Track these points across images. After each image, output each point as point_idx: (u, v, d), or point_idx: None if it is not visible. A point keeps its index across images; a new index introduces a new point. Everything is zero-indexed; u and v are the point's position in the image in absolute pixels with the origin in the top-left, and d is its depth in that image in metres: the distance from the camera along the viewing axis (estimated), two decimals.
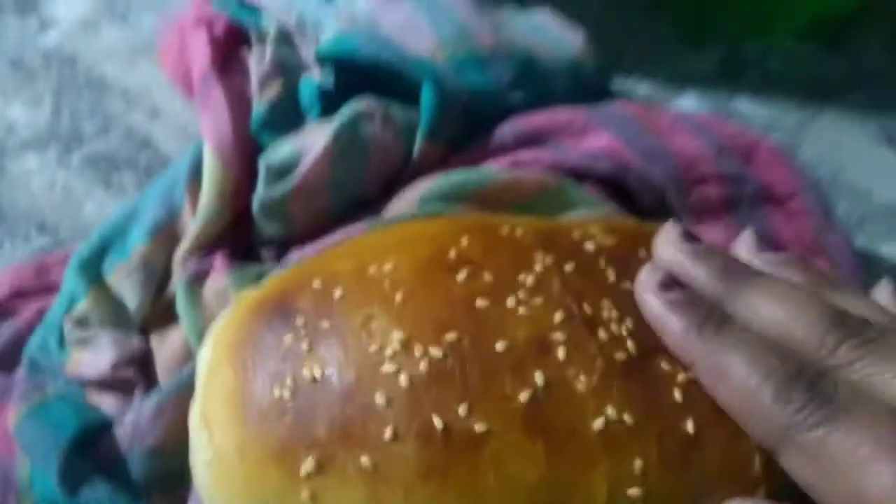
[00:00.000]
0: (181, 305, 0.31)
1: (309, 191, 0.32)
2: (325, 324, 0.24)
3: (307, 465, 0.22)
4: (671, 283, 0.24)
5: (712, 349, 0.22)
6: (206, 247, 0.32)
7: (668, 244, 0.25)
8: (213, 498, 0.24)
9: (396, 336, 0.23)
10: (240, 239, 0.34)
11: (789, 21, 0.48)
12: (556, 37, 0.40)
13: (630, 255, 0.25)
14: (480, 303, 0.23)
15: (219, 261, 0.31)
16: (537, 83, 0.37)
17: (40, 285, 0.34)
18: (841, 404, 0.20)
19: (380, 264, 0.25)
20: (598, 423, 0.22)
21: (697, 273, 0.24)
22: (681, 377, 0.23)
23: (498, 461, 0.22)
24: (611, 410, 0.22)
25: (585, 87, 0.39)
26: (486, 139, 0.34)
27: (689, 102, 0.45)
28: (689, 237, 0.25)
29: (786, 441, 0.21)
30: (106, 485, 0.25)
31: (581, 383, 0.23)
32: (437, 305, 0.23)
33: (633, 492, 0.22)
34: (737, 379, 0.21)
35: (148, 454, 0.26)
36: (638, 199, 0.34)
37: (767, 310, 0.22)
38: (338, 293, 0.25)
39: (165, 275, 0.33)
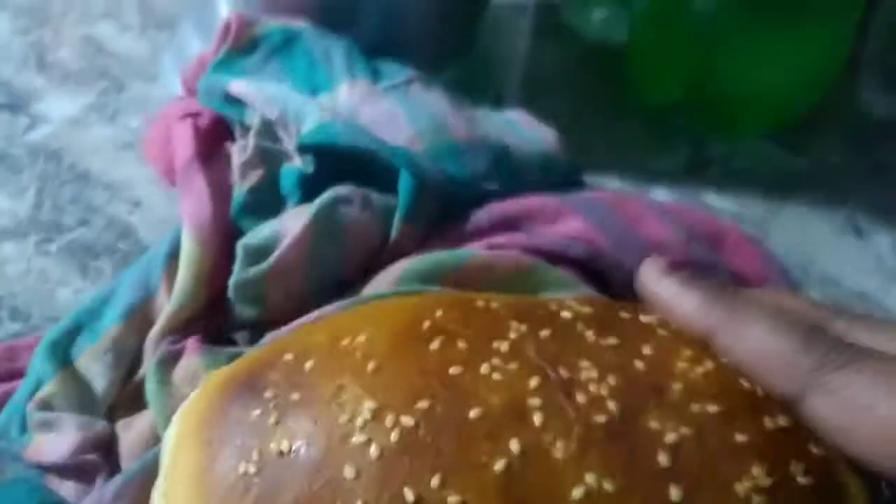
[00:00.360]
0: (150, 387, 0.30)
1: (286, 272, 0.32)
2: (295, 395, 0.23)
3: None
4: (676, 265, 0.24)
5: (732, 310, 0.23)
6: (180, 330, 0.32)
7: (654, 275, 0.25)
8: None
9: (367, 406, 0.23)
10: (215, 323, 0.33)
11: (751, 123, 0.51)
12: (528, 132, 0.41)
13: (610, 317, 0.25)
14: (454, 370, 0.23)
15: (191, 343, 0.31)
16: (511, 174, 0.38)
17: (8, 370, 0.33)
18: (863, 349, 0.21)
19: (353, 336, 0.25)
20: (577, 493, 0.21)
21: (692, 296, 0.24)
22: (669, 437, 0.22)
23: None
24: (590, 478, 0.22)
25: (557, 178, 0.40)
26: (462, 223, 0.35)
27: (658, 197, 0.46)
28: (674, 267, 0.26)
29: (812, 385, 0.21)
30: None
31: (559, 450, 0.22)
32: (409, 374, 0.23)
33: None
34: (760, 334, 0.22)
35: None
36: (611, 282, 0.34)
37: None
38: (309, 365, 0.24)
39: (136, 359, 0.32)
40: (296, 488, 0.22)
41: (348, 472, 0.22)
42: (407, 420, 0.22)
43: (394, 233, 0.34)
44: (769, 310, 0.23)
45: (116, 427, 0.31)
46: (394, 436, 0.22)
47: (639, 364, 0.24)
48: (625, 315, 0.26)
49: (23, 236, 0.42)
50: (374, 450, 0.22)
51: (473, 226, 0.35)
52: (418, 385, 0.23)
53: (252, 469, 0.22)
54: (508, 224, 0.35)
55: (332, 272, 0.33)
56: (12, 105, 0.50)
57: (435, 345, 0.24)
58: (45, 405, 0.30)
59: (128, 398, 0.31)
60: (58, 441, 0.29)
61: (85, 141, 0.48)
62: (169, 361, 0.31)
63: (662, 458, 0.22)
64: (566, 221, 0.35)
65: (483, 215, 0.35)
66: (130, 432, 0.30)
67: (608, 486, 0.22)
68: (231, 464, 0.22)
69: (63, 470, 0.28)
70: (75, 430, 0.29)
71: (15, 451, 0.29)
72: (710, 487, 0.22)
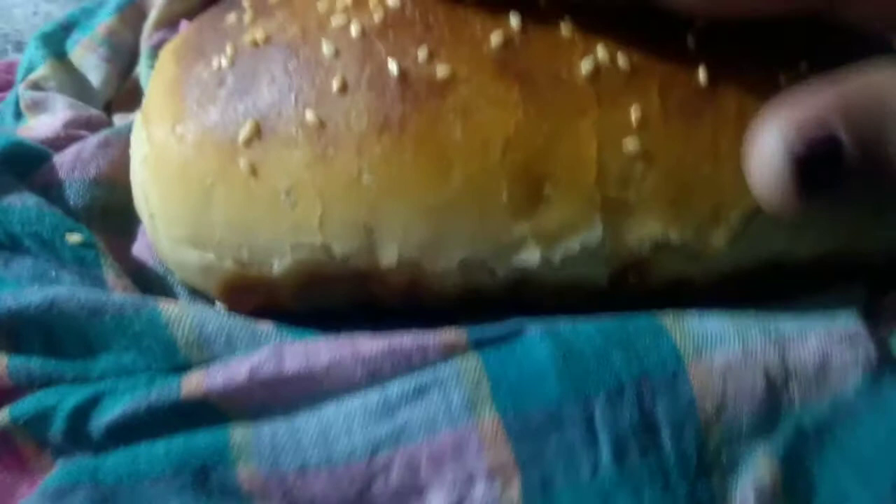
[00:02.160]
0: (144, 72, 0.28)
1: None
2: None
3: (245, 130, 0.19)
4: None
5: None
6: (175, 23, 0.30)
7: None
8: (150, 194, 0.21)
9: None
10: None
11: None
12: None
13: None
14: None
15: (184, 25, 0.29)
16: None
17: (7, 79, 0.32)
18: None
19: None
20: (586, 67, 0.19)
21: None
22: (699, 23, 0.19)
23: (465, 110, 0.19)
24: (602, 53, 0.19)
25: None
26: None
27: None
28: None
29: None
30: (37, 198, 0.22)
31: (566, 26, 0.19)
32: None
33: (630, 143, 0.19)
34: None
35: (90, 183, 0.24)
36: None
37: None
38: None
39: (133, 56, 0.31)
40: (270, 71, 0.20)
41: (326, 49, 0.19)
42: (392, 1, 0.20)
43: None
44: None
45: (114, 119, 0.29)
46: (377, 15, 0.20)
47: None
48: None
49: None
50: (354, 28, 0.19)
51: None
52: None
53: (225, 63, 0.20)
54: None
55: None
56: None
57: None
58: (37, 86, 0.29)
59: (127, 95, 0.30)
60: (50, 119, 0.27)
61: None
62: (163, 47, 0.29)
63: (690, 40, 0.19)
64: None
65: None
66: (128, 122, 0.29)
67: (623, 62, 0.19)
68: (203, 63, 0.20)
69: (55, 145, 0.27)
70: (67, 108, 0.28)
71: (7, 132, 0.28)
72: (746, 74, 0.19)
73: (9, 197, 0.22)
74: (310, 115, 0.19)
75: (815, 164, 0.17)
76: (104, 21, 0.30)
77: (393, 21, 0.19)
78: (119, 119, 0.29)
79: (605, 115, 0.19)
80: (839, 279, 0.22)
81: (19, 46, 0.37)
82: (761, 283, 0.21)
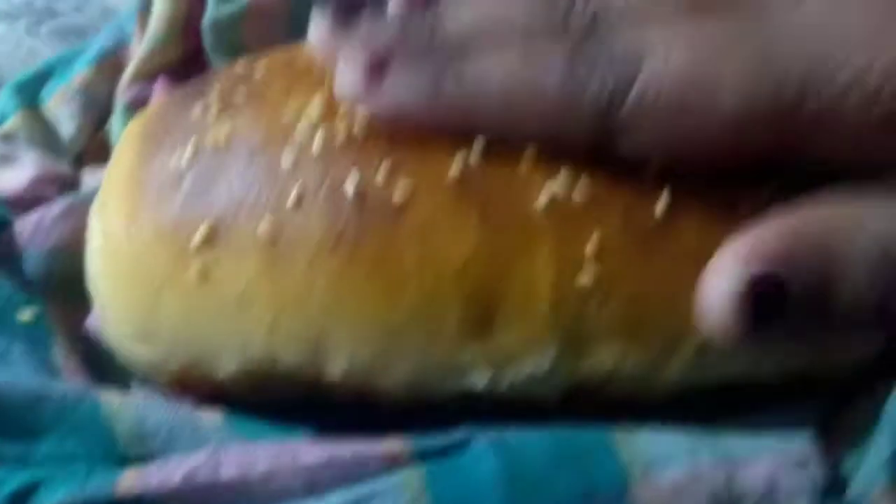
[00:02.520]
0: (116, 129, 0.28)
1: (265, 16, 0.29)
2: (241, 96, 0.21)
3: (198, 236, 0.19)
4: None
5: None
6: (152, 77, 0.30)
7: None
8: (100, 287, 0.21)
9: (317, 102, 0.20)
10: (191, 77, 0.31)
11: None
12: None
13: None
14: None
15: (160, 83, 0.29)
16: None
17: None
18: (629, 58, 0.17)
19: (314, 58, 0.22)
20: (545, 195, 0.19)
21: None
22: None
23: (421, 232, 0.18)
24: (561, 183, 0.19)
25: None
26: None
27: None
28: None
29: (609, 121, 0.18)
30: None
31: (527, 154, 0.19)
32: None
33: (587, 273, 0.18)
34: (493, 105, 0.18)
35: (48, 254, 0.24)
36: None
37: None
38: (260, 73, 0.22)
39: (107, 108, 0.30)
40: (228, 178, 0.19)
41: (286, 160, 0.19)
42: (360, 117, 0.19)
43: None
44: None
45: (83, 173, 0.29)
46: (342, 126, 0.19)
47: None
48: None
49: (14, 19, 0.41)
50: (318, 139, 0.19)
51: None
52: None
53: (184, 163, 0.20)
54: None
55: None
56: None
57: None
58: (7, 138, 0.28)
59: (97, 148, 0.30)
60: (16, 174, 0.27)
61: None
62: (136, 106, 0.29)
63: (651, 170, 0.19)
64: None
65: None
66: (95, 179, 0.28)
67: (582, 192, 0.19)
68: (163, 159, 0.20)
69: (19, 203, 0.27)
70: (35, 164, 0.28)
71: None
72: (707, 204, 0.19)
73: None
74: (264, 226, 0.19)
75: (758, 303, 0.17)
76: (81, 71, 0.30)
77: (359, 133, 0.19)
78: (88, 173, 0.29)
79: (562, 245, 0.18)
80: (800, 392, 0.21)
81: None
82: (717, 398, 0.21)
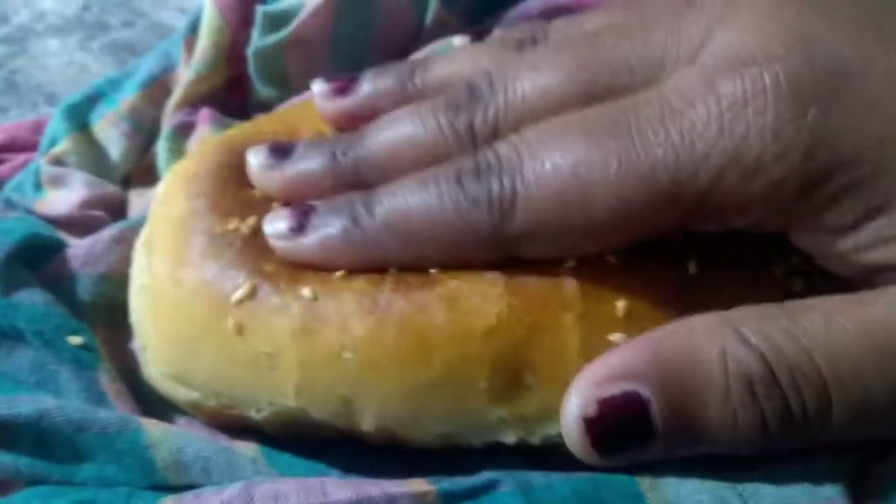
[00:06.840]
0: (162, 154, 0.29)
1: (306, 44, 0.30)
2: None
3: (240, 292, 0.20)
4: None
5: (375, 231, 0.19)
6: (197, 102, 0.31)
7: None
8: (142, 325, 0.22)
9: None
10: (236, 102, 0.32)
11: None
12: None
13: None
14: None
15: (205, 112, 0.29)
16: None
17: (34, 140, 0.33)
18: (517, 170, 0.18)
19: None
20: (571, 261, 0.19)
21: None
22: None
23: (451, 299, 0.19)
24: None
25: None
26: (511, 12, 0.32)
27: None
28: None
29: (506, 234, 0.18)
30: (45, 296, 0.23)
31: None
32: None
33: (615, 338, 0.19)
34: (421, 228, 0.19)
35: (98, 279, 0.24)
36: None
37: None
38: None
39: (154, 131, 0.31)
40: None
41: None
42: None
43: (430, 16, 0.31)
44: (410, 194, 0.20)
45: (130, 194, 0.30)
46: None
47: None
48: None
49: (68, 34, 0.42)
50: None
51: (521, 13, 0.31)
52: None
53: (244, 229, 0.21)
54: (561, 14, 0.31)
55: (358, 53, 0.30)
56: None
57: None
58: (58, 161, 0.29)
59: (145, 170, 0.31)
60: (66, 196, 0.28)
61: None
62: (182, 132, 0.30)
63: (679, 234, 0.19)
64: None
65: (534, 5, 0.32)
66: (142, 200, 0.29)
67: (610, 257, 0.19)
68: (214, 220, 0.21)
69: (69, 224, 0.28)
70: (85, 186, 0.29)
71: (26, 205, 0.29)
72: (736, 268, 0.19)
73: (19, 293, 0.23)
74: (305, 291, 0.20)
75: (613, 424, 0.17)
76: (127, 97, 0.31)
77: None
78: (135, 195, 0.30)
79: (590, 310, 0.19)
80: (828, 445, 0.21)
81: (51, 99, 0.38)
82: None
